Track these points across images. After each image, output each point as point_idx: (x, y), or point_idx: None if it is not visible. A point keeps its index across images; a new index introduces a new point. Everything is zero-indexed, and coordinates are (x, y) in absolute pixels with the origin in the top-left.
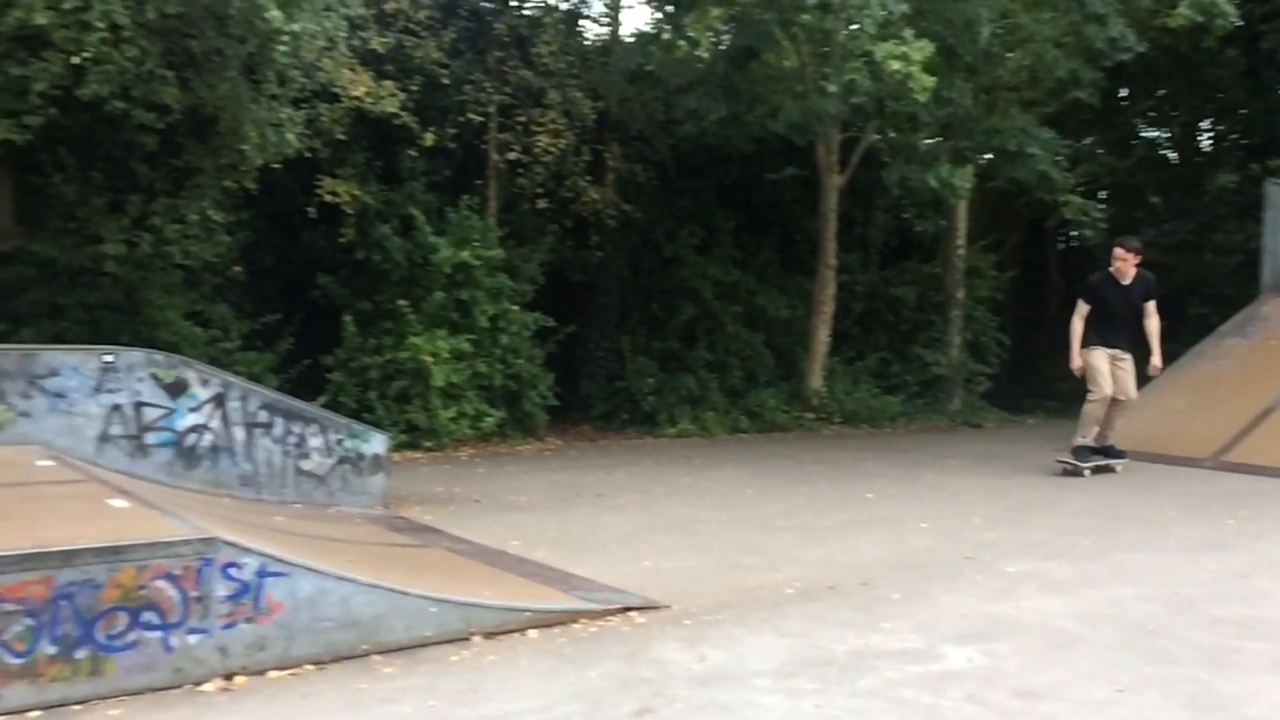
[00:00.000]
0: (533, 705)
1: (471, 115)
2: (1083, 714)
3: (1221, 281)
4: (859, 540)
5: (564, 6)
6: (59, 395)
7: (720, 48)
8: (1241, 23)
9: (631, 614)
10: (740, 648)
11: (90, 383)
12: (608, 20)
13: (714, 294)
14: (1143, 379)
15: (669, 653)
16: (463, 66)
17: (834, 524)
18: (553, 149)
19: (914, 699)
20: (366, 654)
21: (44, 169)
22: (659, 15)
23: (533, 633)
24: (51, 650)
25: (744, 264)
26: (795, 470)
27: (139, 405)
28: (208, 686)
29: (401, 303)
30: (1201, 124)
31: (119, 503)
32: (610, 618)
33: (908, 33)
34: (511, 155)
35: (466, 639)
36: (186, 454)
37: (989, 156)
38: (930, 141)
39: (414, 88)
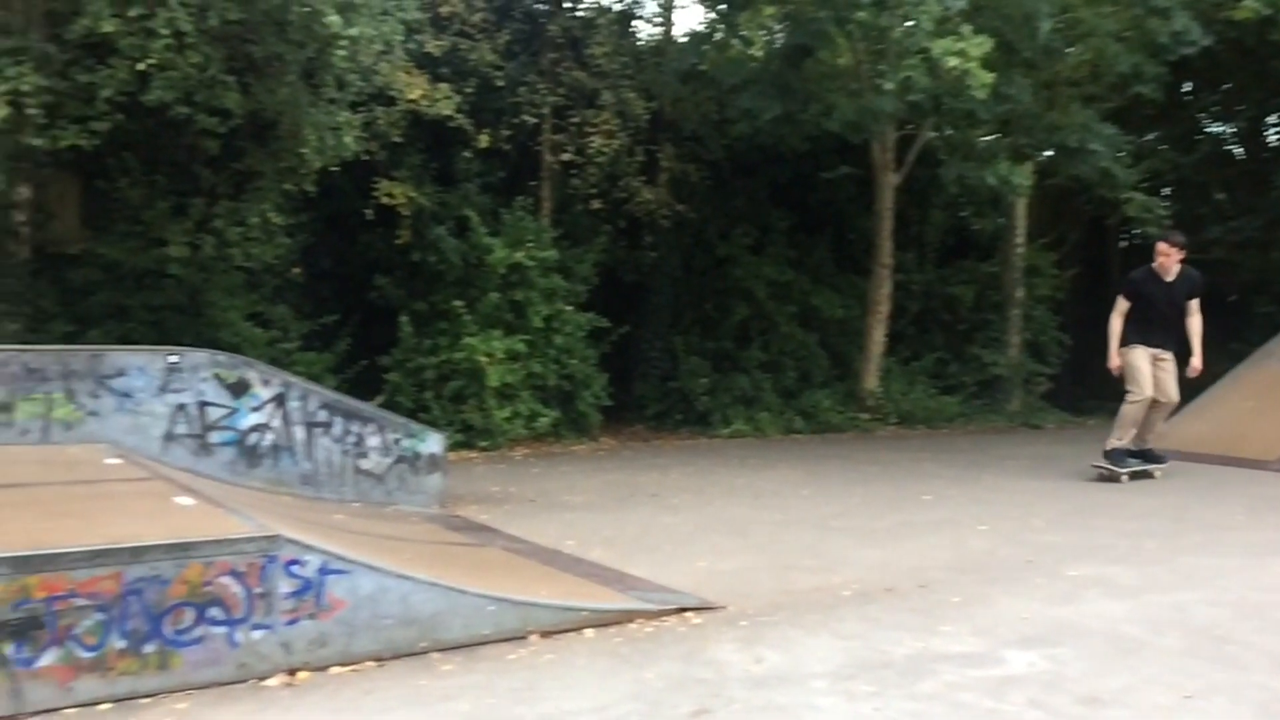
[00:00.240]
0: (590, 705)
1: (526, 117)
2: None
3: None
4: (916, 542)
5: (617, 7)
6: (126, 395)
7: (774, 46)
8: None
9: (687, 614)
10: (797, 649)
11: (156, 383)
12: (661, 20)
13: (768, 294)
14: (1182, 381)
15: (725, 654)
16: (517, 68)
17: (891, 525)
18: (606, 149)
19: (975, 703)
20: (425, 651)
21: (110, 174)
22: (712, 15)
23: (589, 632)
24: (121, 644)
25: (798, 263)
26: (851, 471)
27: (203, 405)
28: (271, 682)
29: (457, 303)
30: (1268, 119)
31: (185, 500)
32: (666, 618)
33: (965, 28)
34: (565, 156)
35: (523, 638)
36: (249, 453)
37: (1049, 153)
38: (988, 138)
39: (469, 90)
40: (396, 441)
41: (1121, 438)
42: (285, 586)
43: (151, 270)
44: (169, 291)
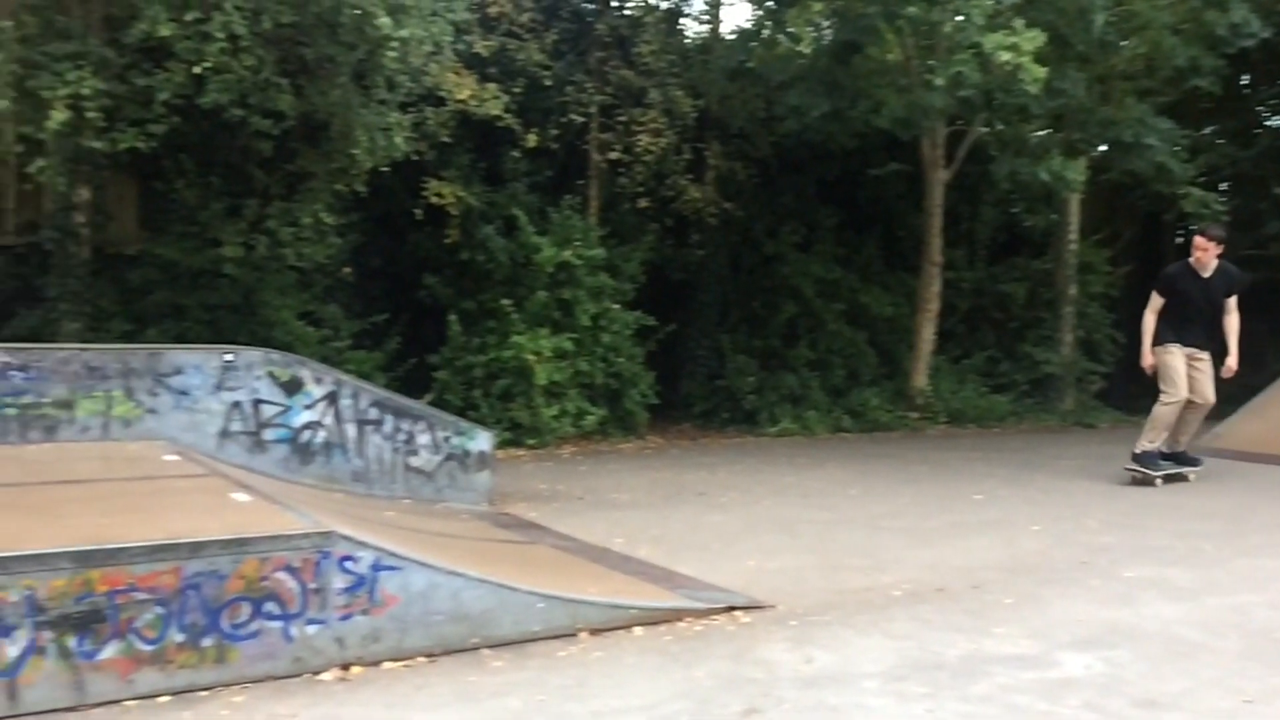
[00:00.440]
0: (640, 703)
1: (573, 116)
2: None
3: None
4: (968, 542)
5: (664, 5)
6: (183, 393)
7: (822, 43)
8: None
9: (736, 613)
10: (848, 650)
11: (212, 381)
12: (708, 18)
13: (815, 292)
14: (1217, 381)
15: (775, 653)
16: (564, 68)
17: (941, 525)
18: (653, 148)
19: (1029, 706)
20: (476, 647)
21: (167, 175)
22: (760, 11)
23: (638, 630)
24: (180, 638)
25: (846, 261)
26: (900, 470)
27: (257, 402)
28: (325, 676)
29: (505, 302)
30: None
31: (241, 496)
32: (715, 617)
33: (1018, 22)
34: (613, 155)
35: (573, 635)
36: (302, 450)
37: (1103, 148)
38: (1041, 134)
39: (517, 90)
40: (446, 439)
41: (1154, 440)
42: (339, 582)
43: (207, 270)
44: (223, 291)
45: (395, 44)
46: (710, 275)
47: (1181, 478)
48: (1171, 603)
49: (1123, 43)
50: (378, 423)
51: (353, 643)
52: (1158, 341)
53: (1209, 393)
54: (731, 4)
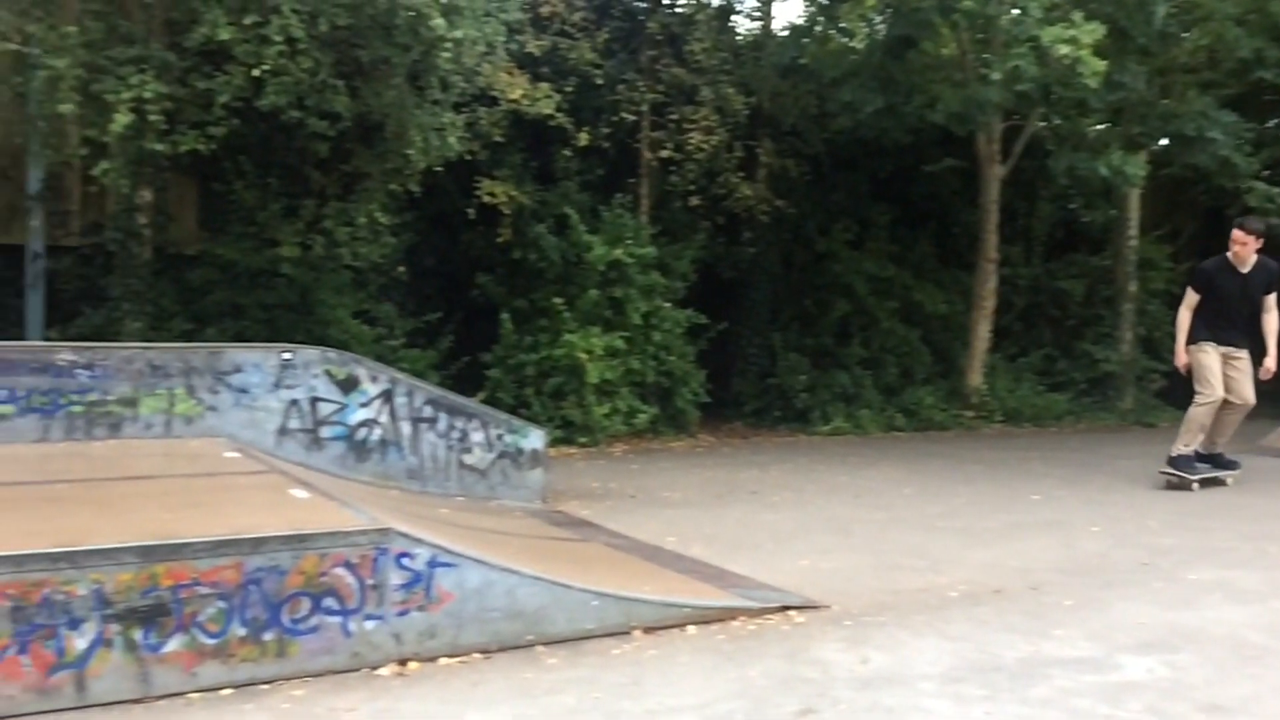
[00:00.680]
0: (694, 701)
1: (625, 114)
2: None
3: None
4: (1026, 543)
5: (716, 3)
6: (242, 390)
7: (876, 38)
8: None
9: (790, 613)
10: (904, 651)
11: (270, 379)
12: (760, 15)
13: (868, 289)
14: (1255, 382)
15: (830, 653)
16: (616, 66)
17: (998, 526)
18: (705, 146)
19: (1090, 710)
20: (531, 644)
21: (226, 177)
22: (812, 7)
23: (692, 629)
24: (242, 632)
25: (900, 258)
26: (955, 470)
27: (314, 400)
28: (383, 671)
29: (556, 301)
30: None
31: (300, 493)
32: (769, 616)
33: (1076, 15)
34: (664, 153)
35: (627, 633)
36: (358, 447)
37: (1164, 142)
38: (1100, 128)
39: (569, 89)
40: (499, 437)
41: (1189, 443)
42: (396, 578)
43: (265, 270)
44: (281, 290)
45: (449, 45)
46: (762, 273)
47: (1219, 482)
48: (1237, 605)
49: (1184, 34)
50: (432, 420)
51: (410, 639)
52: (1192, 339)
53: (1247, 393)
54: (783, 0)
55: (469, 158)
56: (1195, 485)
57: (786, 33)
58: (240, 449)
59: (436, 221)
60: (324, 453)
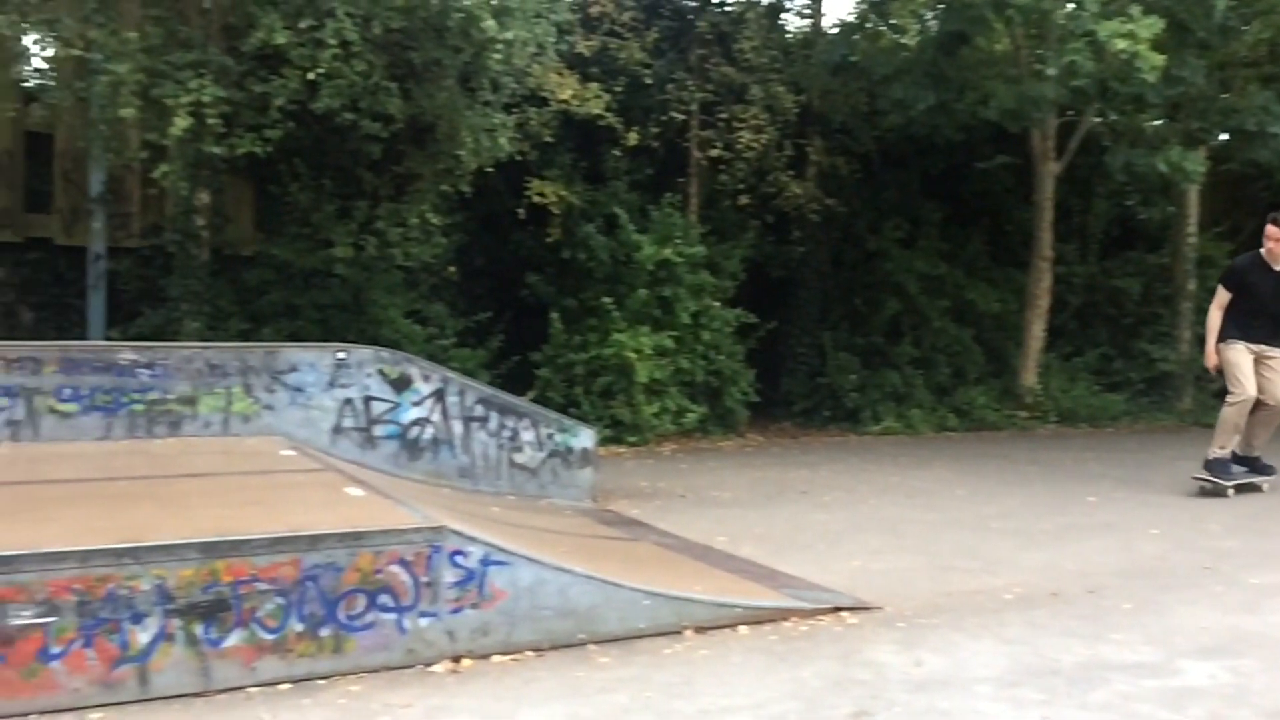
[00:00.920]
0: (747, 702)
1: (674, 113)
2: None
3: None
4: (1082, 545)
5: (766, 1)
6: (298, 389)
7: (928, 34)
8: None
9: (843, 614)
10: (959, 653)
11: (325, 378)
12: (809, 12)
13: (919, 288)
14: None
15: (883, 655)
16: (665, 65)
17: (1054, 528)
18: (754, 144)
19: (1151, 715)
20: (583, 643)
21: (281, 179)
22: (863, 4)
23: (743, 629)
24: (299, 628)
25: (951, 257)
26: (1009, 471)
27: (368, 399)
28: (437, 668)
29: (605, 300)
30: None
31: (355, 491)
32: (821, 617)
33: (1134, 9)
34: (713, 152)
35: (678, 633)
36: (410, 446)
37: (1224, 137)
38: (1158, 123)
39: (618, 89)
40: (549, 436)
41: (1224, 445)
42: (450, 576)
43: (319, 270)
44: (334, 290)
45: (500, 46)
46: (811, 272)
47: (1255, 488)
48: None
49: (1244, 28)
50: (483, 419)
51: (463, 636)
52: (1222, 338)
53: None
54: None
55: (519, 158)
56: (1230, 491)
57: (837, 30)
58: (296, 447)
59: (487, 222)
60: (377, 451)
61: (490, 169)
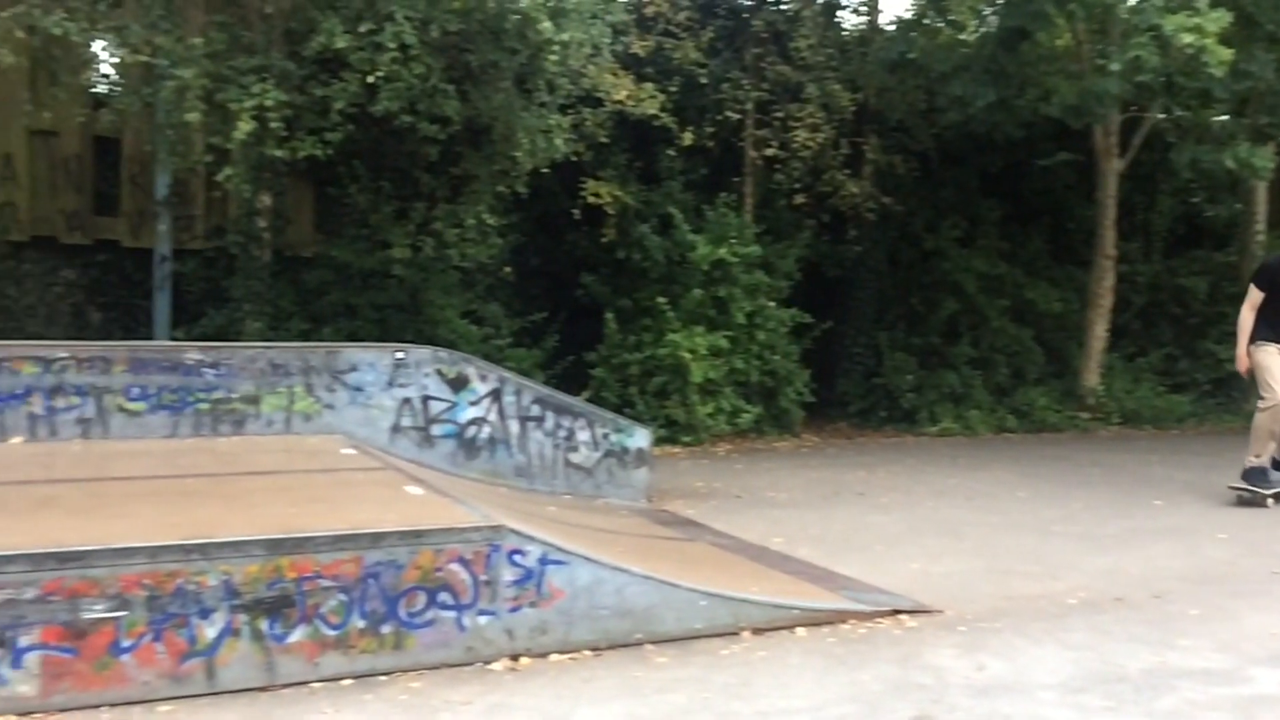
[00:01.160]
0: (806, 704)
1: (729, 113)
2: None
3: None
4: (1148, 550)
5: None
6: (358, 389)
7: (987, 30)
8: None
9: (901, 617)
10: (1022, 658)
11: (384, 377)
12: (866, 9)
13: (978, 287)
14: None
15: (944, 659)
16: (720, 65)
17: (1118, 531)
18: (810, 143)
19: None
20: (640, 643)
21: (341, 181)
22: (921, 0)
23: (801, 631)
24: (361, 624)
25: (1011, 255)
26: (1071, 473)
27: (426, 399)
28: (496, 666)
29: (660, 300)
30: None
31: (414, 490)
32: (880, 620)
33: (1200, 2)
34: (769, 151)
35: (735, 634)
36: (467, 445)
37: None
38: (1225, 119)
39: (673, 88)
40: (605, 436)
41: (1259, 453)
42: (508, 575)
43: (376, 271)
44: (392, 291)
45: (556, 47)
46: (867, 271)
47: None
48: None
49: None
50: (539, 419)
51: (521, 634)
52: (1253, 340)
53: None
54: None
55: (574, 159)
56: (1269, 501)
57: (894, 27)
58: (356, 446)
59: (542, 222)
60: (435, 450)
61: (545, 170)
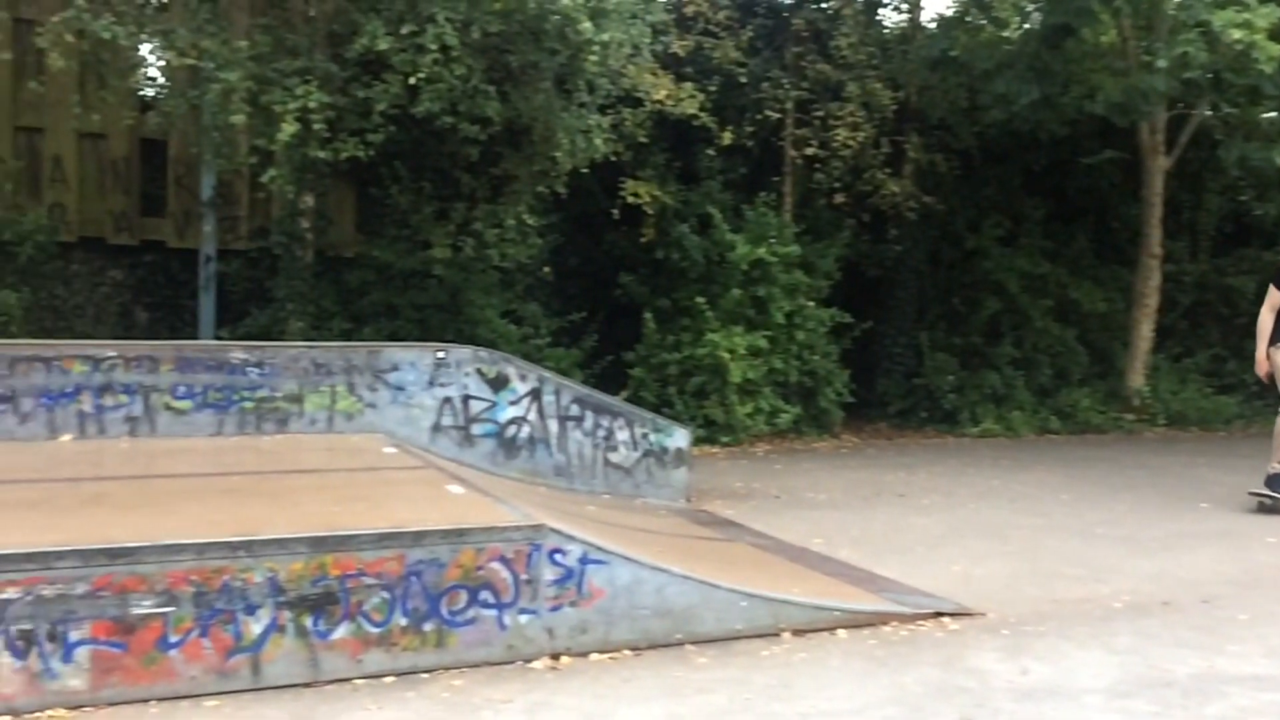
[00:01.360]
0: (847, 706)
1: (769, 112)
2: None
3: None
4: (1195, 553)
5: None
6: (399, 388)
7: (1031, 27)
8: None
9: (944, 619)
10: (1067, 662)
11: (425, 377)
12: (907, 7)
13: (1021, 287)
14: None
15: (987, 662)
16: (760, 64)
17: (1164, 535)
18: (850, 142)
19: None
20: (680, 643)
21: (382, 182)
22: None
23: (841, 632)
24: (404, 622)
25: (1054, 255)
26: (1116, 475)
27: (466, 398)
28: (536, 664)
29: (699, 300)
30: None
31: (455, 489)
32: (921, 622)
33: None
34: (808, 150)
35: (776, 635)
36: (507, 444)
37: None
38: (1274, 115)
39: (712, 88)
40: (644, 436)
41: None
42: (549, 574)
43: (417, 271)
44: (432, 291)
45: (596, 48)
46: (908, 271)
47: None
48: None
49: None
50: (578, 419)
51: (562, 633)
52: (1273, 342)
53: None
54: None
55: (613, 159)
56: None
57: (935, 24)
58: (397, 445)
59: (581, 222)
60: (475, 449)
61: (585, 170)
